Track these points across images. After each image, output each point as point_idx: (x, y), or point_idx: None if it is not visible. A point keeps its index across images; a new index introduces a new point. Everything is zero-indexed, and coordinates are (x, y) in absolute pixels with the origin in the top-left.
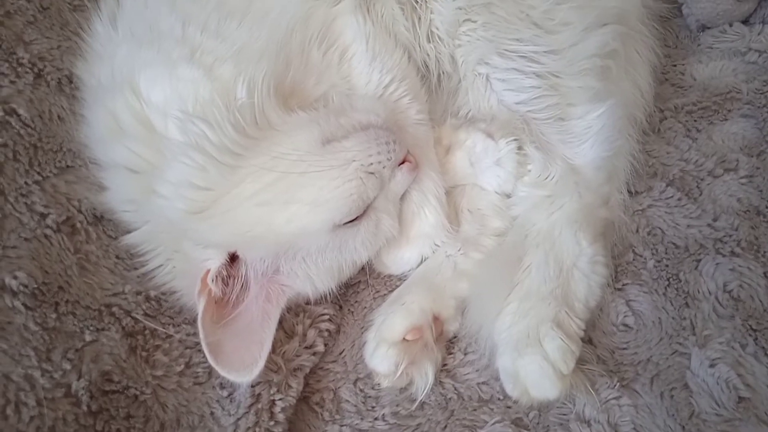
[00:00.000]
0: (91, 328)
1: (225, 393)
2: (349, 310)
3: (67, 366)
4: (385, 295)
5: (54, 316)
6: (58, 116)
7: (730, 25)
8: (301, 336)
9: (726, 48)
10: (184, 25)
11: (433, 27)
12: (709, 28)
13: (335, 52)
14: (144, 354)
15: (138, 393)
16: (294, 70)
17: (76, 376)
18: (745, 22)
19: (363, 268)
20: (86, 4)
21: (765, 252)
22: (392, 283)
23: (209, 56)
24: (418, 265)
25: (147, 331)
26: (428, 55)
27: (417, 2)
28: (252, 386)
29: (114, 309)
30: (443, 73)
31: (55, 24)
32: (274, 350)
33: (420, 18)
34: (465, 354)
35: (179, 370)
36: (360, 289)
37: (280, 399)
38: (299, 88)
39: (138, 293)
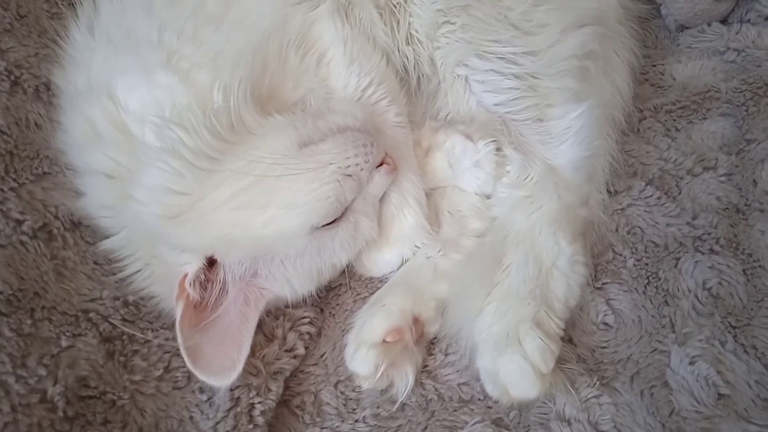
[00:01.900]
0: (68, 333)
1: (204, 397)
2: (330, 312)
3: (43, 372)
4: (365, 297)
5: (29, 322)
6: (35, 123)
7: (709, 25)
8: (281, 339)
9: (705, 47)
10: (161, 30)
11: (411, 30)
12: (687, 28)
13: (313, 56)
14: (122, 359)
15: (115, 398)
16: (271, 74)
17: (51, 381)
18: (724, 21)
19: (344, 271)
20: (64, 11)
21: (744, 249)
22: (373, 285)
23: (186, 62)
24: (399, 267)
25: (125, 337)
26: (407, 57)
27: (395, 6)
28: (231, 390)
29: (91, 314)
30: (422, 75)
31: (33, 32)
32: (253, 354)
33: (398, 21)
34: (445, 355)
35: (158, 375)
36: (341, 292)
37: (259, 402)
38: (277, 93)
39: (116, 299)
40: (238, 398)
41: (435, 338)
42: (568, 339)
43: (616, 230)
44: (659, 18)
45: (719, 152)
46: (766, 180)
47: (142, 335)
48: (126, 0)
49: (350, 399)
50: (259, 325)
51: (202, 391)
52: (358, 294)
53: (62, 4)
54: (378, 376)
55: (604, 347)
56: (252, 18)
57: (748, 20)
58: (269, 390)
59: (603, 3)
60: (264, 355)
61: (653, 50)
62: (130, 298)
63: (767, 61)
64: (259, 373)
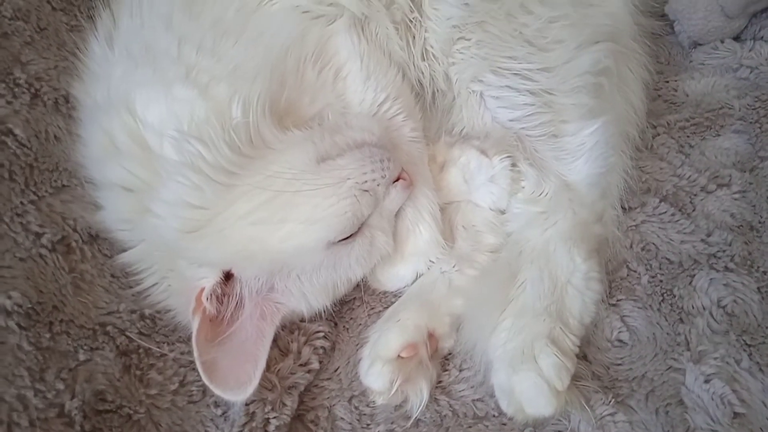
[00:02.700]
0: (85, 347)
1: (219, 411)
2: (344, 326)
3: (61, 386)
4: (380, 311)
5: (48, 335)
6: (55, 136)
7: (722, 42)
8: (295, 353)
9: (718, 64)
10: (180, 44)
11: (427, 45)
12: (701, 44)
13: (330, 70)
14: (138, 373)
15: (132, 412)
16: (289, 89)
17: (69, 395)
18: (737, 38)
19: (358, 285)
20: (83, 24)
21: (759, 267)
22: (387, 299)
23: (205, 75)
24: (413, 282)
25: (141, 350)
26: (422, 73)
27: (411, 21)
28: (246, 404)
29: (108, 328)
30: (437, 90)
31: (52, 44)
32: (268, 368)
33: (414, 37)
34: (460, 371)
35: (173, 389)
36: (355, 306)
37: (274, 417)
38: (294, 107)
39: (132, 312)
40: (253, 413)
41: (449, 354)
42: (582, 356)
43: (631, 247)
44: (672, 34)
45: (733, 169)
46: None
47: (158, 349)
48: (145, 13)
49: (364, 414)
50: (274, 339)
51: (217, 405)
52: (373, 308)
53: (82, 17)
54: (393, 392)
55: (619, 364)
56: (270, 32)
57: (761, 37)
58: (284, 405)
59: (617, 19)
60: (279, 370)
61: (666, 66)
62: (147, 312)
63: None
64: (274, 387)
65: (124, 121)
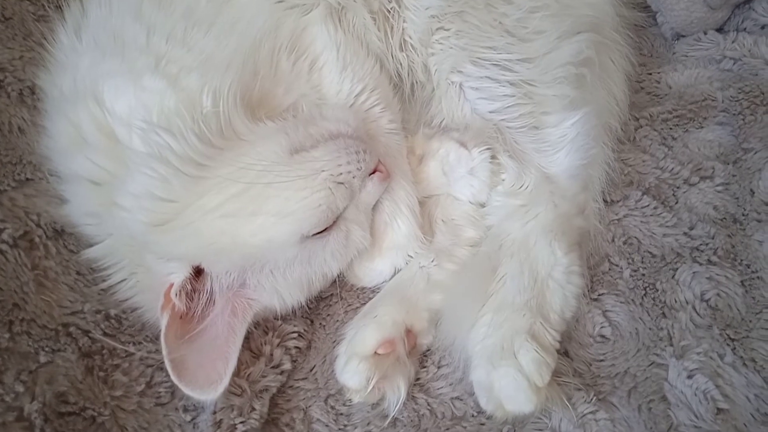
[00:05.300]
0: (47, 348)
1: (188, 417)
2: (320, 324)
3: (20, 388)
4: (357, 308)
5: (7, 335)
6: (19, 128)
7: (705, 33)
8: (267, 356)
9: (701, 56)
10: (149, 34)
11: (405, 36)
12: (683, 36)
13: (305, 61)
14: (102, 374)
15: (96, 414)
16: (262, 79)
17: (29, 398)
18: (720, 30)
19: (335, 281)
20: (50, 14)
21: (742, 260)
22: (365, 295)
23: (174, 66)
24: (392, 277)
25: (105, 351)
26: (401, 64)
27: (389, 11)
28: (213, 412)
29: (71, 329)
30: (416, 82)
31: (18, 34)
32: (238, 372)
33: (392, 27)
34: (438, 367)
35: (140, 390)
36: (332, 302)
37: (241, 422)
38: (268, 98)
39: (98, 312)
40: (220, 420)
41: (428, 350)
42: (564, 352)
43: (613, 240)
44: (655, 26)
45: (716, 161)
46: (763, 190)
47: (123, 348)
48: (114, 3)
49: (341, 414)
50: (246, 341)
51: (186, 410)
52: (350, 304)
53: (49, 7)
54: (369, 390)
55: (601, 360)
56: (243, 22)
57: (744, 29)
58: (253, 409)
59: (599, 10)
60: (249, 374)
61: (649, 58)
62: (112, 312)
63: (763, 69)
64: (243, 392)
65: (91, 112)
